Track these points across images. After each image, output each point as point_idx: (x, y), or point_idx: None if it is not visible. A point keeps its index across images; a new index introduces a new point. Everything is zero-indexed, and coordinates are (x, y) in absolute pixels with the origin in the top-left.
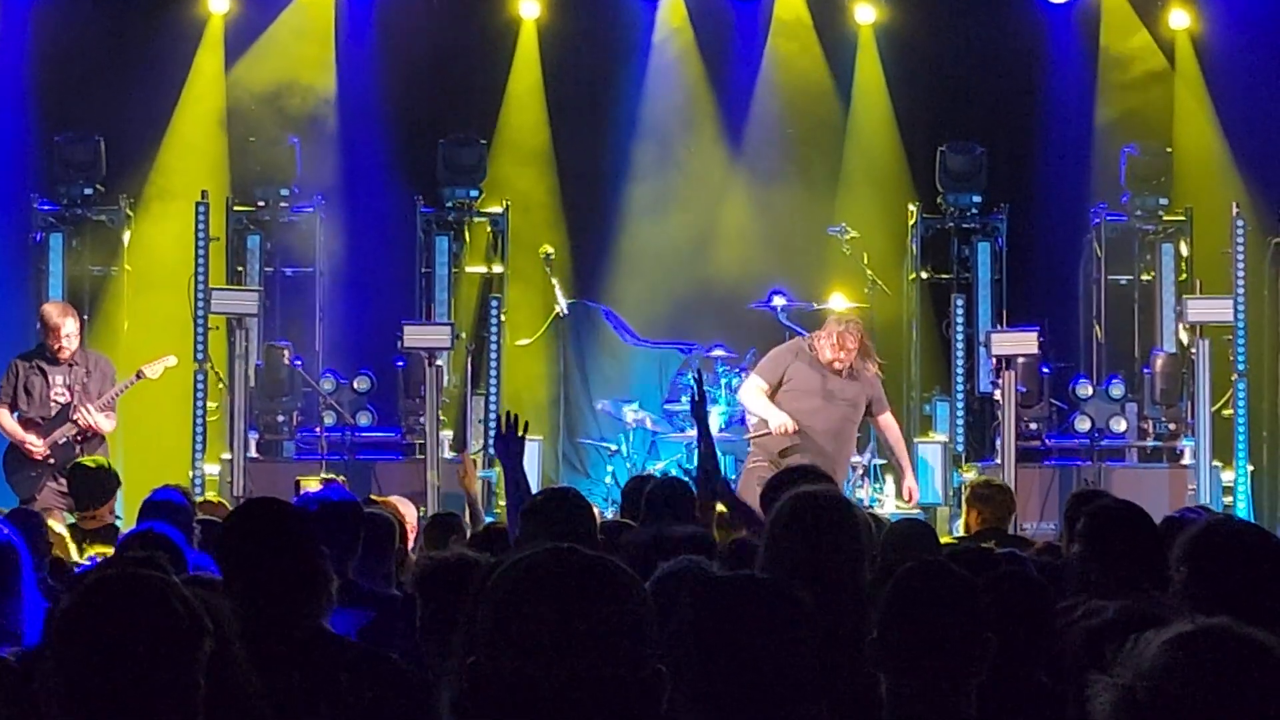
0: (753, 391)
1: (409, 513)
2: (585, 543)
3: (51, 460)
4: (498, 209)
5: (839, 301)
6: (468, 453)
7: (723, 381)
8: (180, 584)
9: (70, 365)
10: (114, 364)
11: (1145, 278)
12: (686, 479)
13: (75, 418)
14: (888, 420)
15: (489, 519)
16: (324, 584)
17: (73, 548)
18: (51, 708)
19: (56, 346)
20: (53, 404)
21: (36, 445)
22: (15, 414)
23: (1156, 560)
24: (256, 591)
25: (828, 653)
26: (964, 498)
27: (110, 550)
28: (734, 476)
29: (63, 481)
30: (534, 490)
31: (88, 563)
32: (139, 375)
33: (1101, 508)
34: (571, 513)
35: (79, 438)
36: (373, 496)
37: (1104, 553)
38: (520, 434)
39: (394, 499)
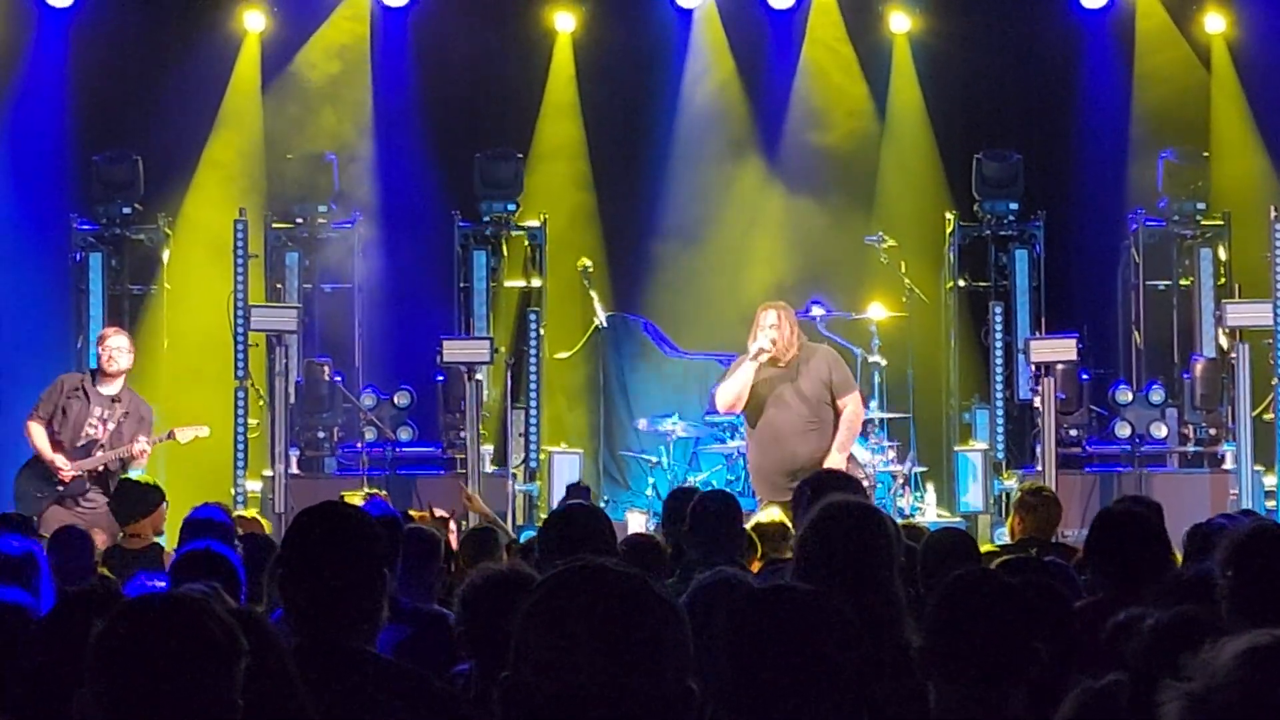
0: (722, 388)
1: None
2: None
3: (63, 485)
4: (535, 223)
5: (878, 311)
6: (464, 487)
7: None
8: (215, 603)
9: (114, 401)
10: (154, 412)
11: (1184, 283)
12: (730, 492)
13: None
14: (844, 403)
15: (529, 532)
16: (380, 609)
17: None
18: None
19: (106, 357)
20: (85, 434)
21: (65, 466)
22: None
23: (1153, 559)
24: (312, 609)
25: (869, 662)
26: (1012, 504)
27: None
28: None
29: (73, 506)
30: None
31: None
32: (169, 435)
33: (1101, 513)
34: (589, 526)
35: (96, 472)
36: (411, 512)
37: (1101, 554)
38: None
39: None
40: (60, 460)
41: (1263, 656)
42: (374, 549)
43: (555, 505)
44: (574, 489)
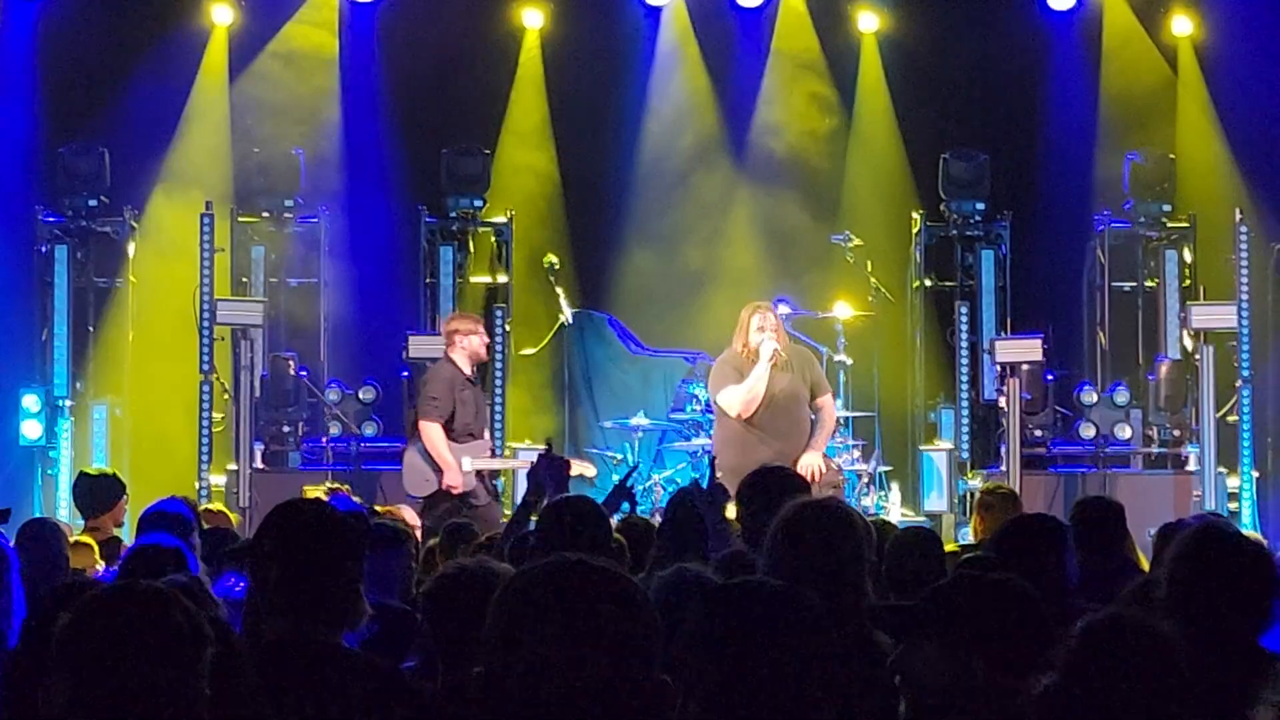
0: (729, 391)
1: (414, 521)
2: (598, 552)
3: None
4: (502, 219)
5: (843, 310)
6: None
7: None
8: (181, 594)
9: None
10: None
11: (1149, 284)
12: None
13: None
14: (824, 402)
15: None
16: (351, 603)
17: (99, 560)
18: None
19: (484, 345)
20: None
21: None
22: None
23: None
24: (284, 604)
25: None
26: (974, 504)
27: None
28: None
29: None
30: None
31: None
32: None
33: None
34: (585, 521)
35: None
36: (377, 507)
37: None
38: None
39: (400, 508)
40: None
41: (1097, 634)
42: (345, 545)
43: (526, 474)
44: (546, 454)
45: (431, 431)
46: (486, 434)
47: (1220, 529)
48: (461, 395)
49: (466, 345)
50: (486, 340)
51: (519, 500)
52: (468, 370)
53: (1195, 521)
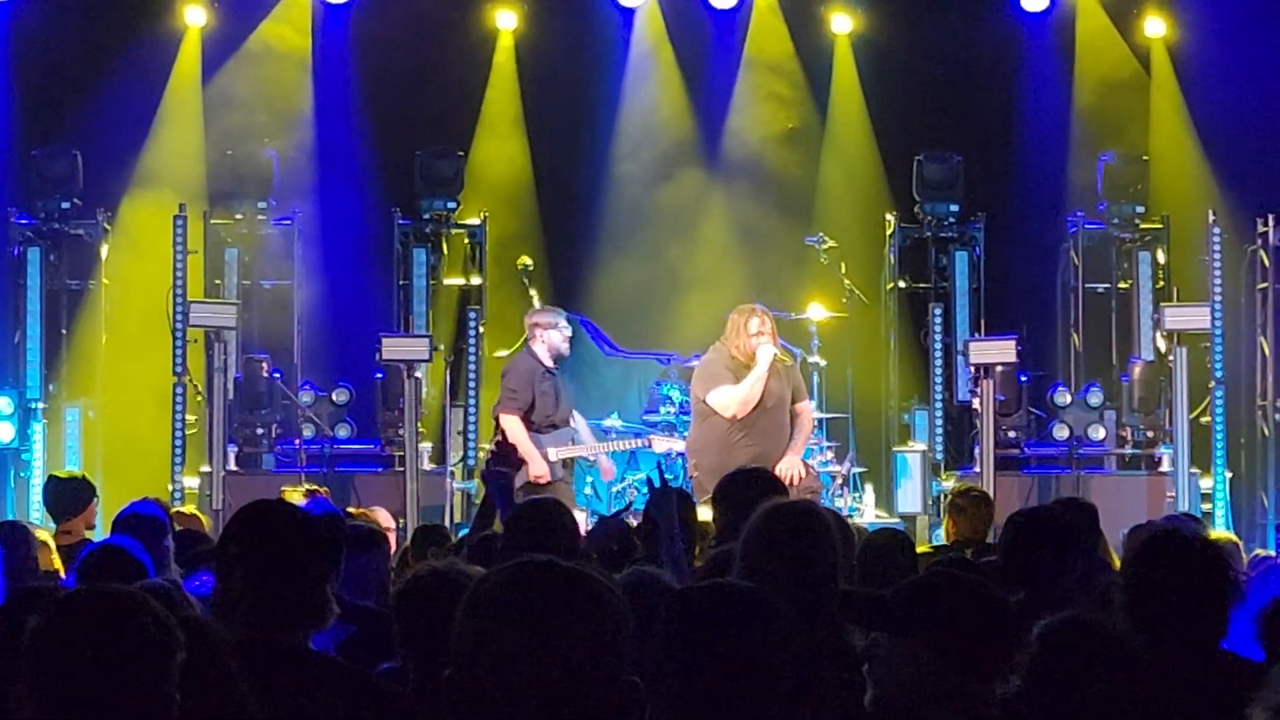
0: (725, 391)
1: (389, 523)
2: (566, 554)
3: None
4: (475, 221)
5: (817, 311)
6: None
7: None
8: (152, 598)
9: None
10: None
11: (1122, 286)
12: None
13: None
14: (802, 407)
15: (467, 530)
16: (321, 605)
17: (57, 560)
18: None
19: (564, 340)
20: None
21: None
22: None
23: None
24: (252, 605)
25: (809, 660)
26: (945, 506)
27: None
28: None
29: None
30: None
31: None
32: None
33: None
34: (553, 523)
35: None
36: (351, 509)
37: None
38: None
39: (375, 510)
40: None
41: (1055, 638)
42: (314, 546)
43: (485, 468)
44: (497, 453)
45: (511, 424)
46: (573, 420)
47: (1173, 533)
48: (541, 387)
49: (547, 339)
50: (568, 333)
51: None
52: (548, 362)
53: (1165, 523)
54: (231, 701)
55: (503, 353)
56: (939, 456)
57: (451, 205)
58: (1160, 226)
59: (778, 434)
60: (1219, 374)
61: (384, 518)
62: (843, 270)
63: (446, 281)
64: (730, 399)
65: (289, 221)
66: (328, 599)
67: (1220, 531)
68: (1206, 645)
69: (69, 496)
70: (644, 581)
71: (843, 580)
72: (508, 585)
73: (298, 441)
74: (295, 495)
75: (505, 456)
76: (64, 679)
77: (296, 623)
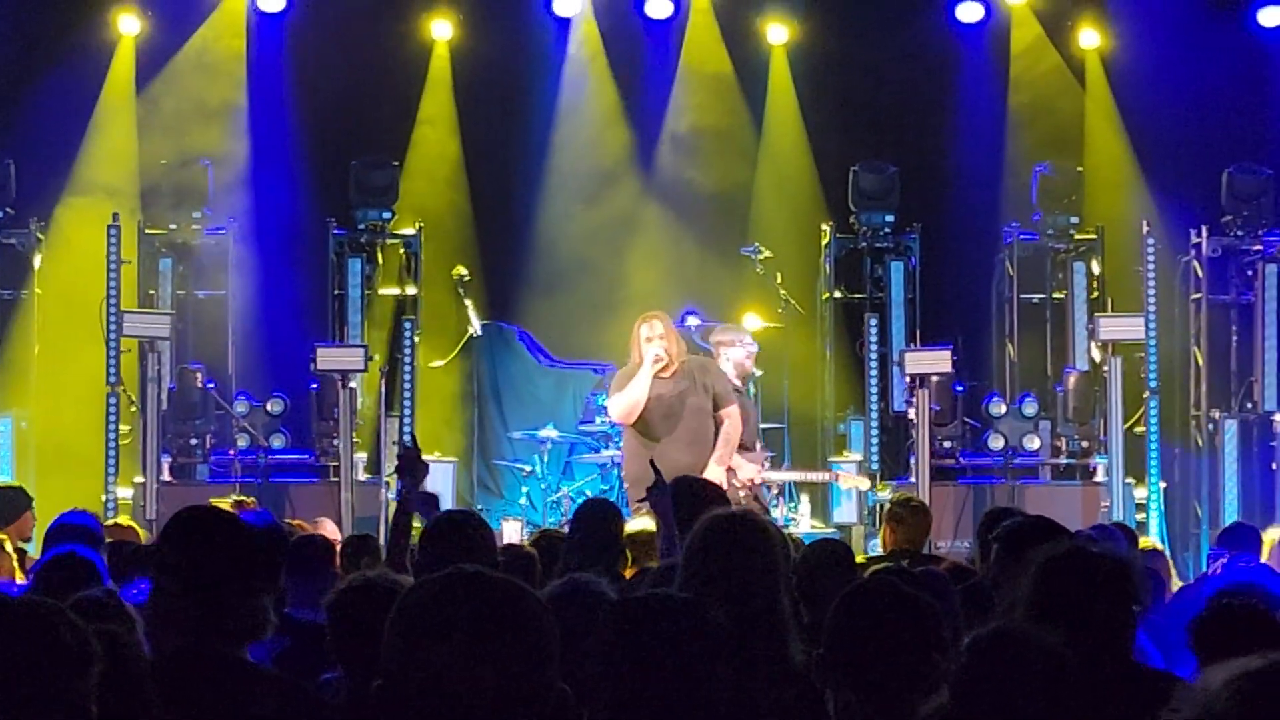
0: (614, 397)
1: (335, 535)
2: (486, 565)
3: None
4: (410, 231)
5: (753, 321)
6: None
7: None
8: (69, 611)
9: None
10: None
11: (1057, 296)
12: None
13: None
14: (725, 414)
15: None
16: (256, 616)
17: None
18: None
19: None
20: None
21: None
22: None
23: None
24: (184, 614)
25: (748, 671)
26: (883, 515)
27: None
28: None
29: None
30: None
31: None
32: None
33: (1009, 528)
34: (472, 536)
35: None
36: (290, 521)
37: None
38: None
39: (322, 521)
40: None
41: (1256, 681)
42: (256, 557)
43: (393, 468)
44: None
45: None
46: (759, 446)
47: (1070, 547)
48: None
49: (731, 356)
50: (753, 350)
51: None
52: (735, 383)
53: (1094, 533)
54: (145, 716)
55: (438, 363)
56: (875, 467)
57: (386, 215)
58: (1095, 237)
59: (695, 442)
60: (1153, 384)
61: (330, 529)
62: (778, 280)
63: (381, 291)
64: (613, 403)
65: (223, 231)
66: (266, 610)
67: (1147, 539)
68: (1114, 657)
69: (3, 506)
70: (579, 590)
71: (785, 591)
72: (436, 595)
73: (232, 452)
74: (223, 505)
75: (411, 466)
76: None
77: (234, 633)
